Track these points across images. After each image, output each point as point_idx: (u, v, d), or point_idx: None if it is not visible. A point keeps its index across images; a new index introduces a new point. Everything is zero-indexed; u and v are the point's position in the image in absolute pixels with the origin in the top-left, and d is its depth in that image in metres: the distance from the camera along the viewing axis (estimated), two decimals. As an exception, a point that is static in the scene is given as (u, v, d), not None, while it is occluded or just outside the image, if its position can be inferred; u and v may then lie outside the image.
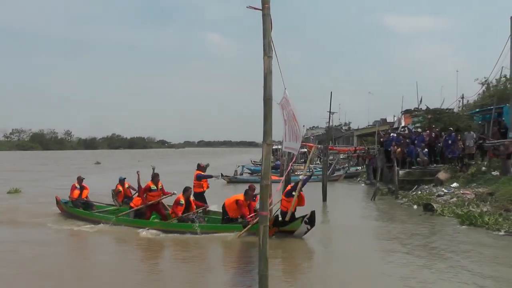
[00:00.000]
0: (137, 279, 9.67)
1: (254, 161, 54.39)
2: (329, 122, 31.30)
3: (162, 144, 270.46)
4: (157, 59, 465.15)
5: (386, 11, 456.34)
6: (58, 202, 17.70)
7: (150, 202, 14.74)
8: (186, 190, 14.34)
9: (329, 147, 35.85)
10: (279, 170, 33.86)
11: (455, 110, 37.96)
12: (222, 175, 34.56)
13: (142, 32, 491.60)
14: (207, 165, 17.77)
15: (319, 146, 49.85)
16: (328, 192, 22.78)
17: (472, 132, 22.95)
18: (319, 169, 34.04)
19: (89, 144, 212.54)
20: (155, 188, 14.91)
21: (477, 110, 32.89)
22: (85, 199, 17.30)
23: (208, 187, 16.64)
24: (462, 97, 43.06)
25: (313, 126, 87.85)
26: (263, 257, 6.53)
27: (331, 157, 41.02)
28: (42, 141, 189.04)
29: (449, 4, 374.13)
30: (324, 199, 22.04)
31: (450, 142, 23.11)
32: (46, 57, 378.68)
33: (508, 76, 25.71)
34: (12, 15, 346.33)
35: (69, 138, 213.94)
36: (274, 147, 41.10)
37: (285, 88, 8.97)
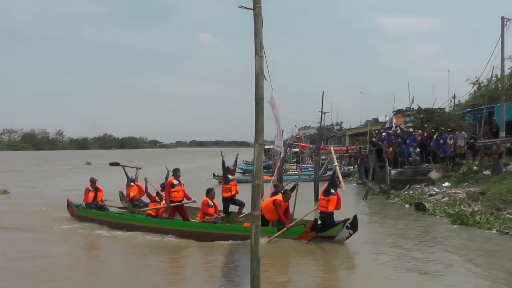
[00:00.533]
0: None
1: (246, 161, 54.35)
2: (320, 122, 31.10)
3: (154, 144, 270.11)
4: (148, 58, 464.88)
5: (377, 11, 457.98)
6: (69, 205, 16.85)
7: (173, 204, 13.83)
8: (209, 191, 13.74)
9: (321, 146, 35.83)
10: (271, 170, 33.82)
11: (447, 109, 38.11)
12: (214, 175, 34.52)
13: (133, 32, 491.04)
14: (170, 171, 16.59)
15: (311, 145, 50.01)
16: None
17: (463, 132, 23.01)
18: (311, 169, 34.04)
19: (81, 144, 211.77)
20: (178, 182, 14.02)
21: (469, 109, 33.03)
22: (100, 202, 16.58)
23: (237, 191, 15.45)
24: (454, 97, 43.23)
25: (305, 126, 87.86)
26: (255, 258, 6.49)
27: (323, 157, 41.03)
28: (33, 141, 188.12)
29: (441, 4, 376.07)
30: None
31: (441, 141, 23.17)
32: (36, 57, 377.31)
33: (499, 76, 25.79)
34: None
35: (61, 138, 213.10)
36: (266, 147, 41.11)
37: (272, 89, 8.98)
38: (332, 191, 12.65)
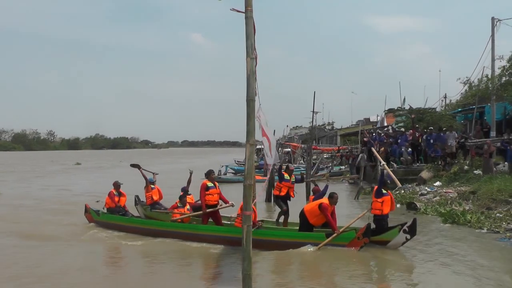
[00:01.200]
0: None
1: (238, 161, 54.35)
2: (312, 121, 31.26)
3: (146, 144, 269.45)
4: (141, 59, 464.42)
5: (369, 12, 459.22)
6: (87, 211, 15.74)
7: (209, 210, 12.78)
8: (209, 174, 13.14)
9: (313, 146, 35.88)
10: (262, 170, 33.84)
11: (438, 109, 38.25)
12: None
13: (125, 32, 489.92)
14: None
15: (302, 145, 50.10)
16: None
17: (454, 132, 23.12)
18: (303, 169, 34.07)
19: (73, 144, 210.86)
20: (213, 185, 12.96)
21: (459, 109, 33.18)
22: (123, 208, 15.44)
23: (292, 195, 14.19)
24: (445, 97, 43.45)
25: (297, 126, 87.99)
26: (247, 257, 6.50)
27: (314, 157, 41.08)
28: (24, 142, 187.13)
29: (432, 5, 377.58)
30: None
31: (431, 141, 23.23)
32: (29, 57, 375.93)
33: (489, 76, 25.91)
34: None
35: (52, 138, 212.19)
36: (257, 147, 41.11)
37: (260, 104, 9.11)
38: (384, 191, 12.09)
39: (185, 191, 14.85)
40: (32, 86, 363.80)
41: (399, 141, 25.32)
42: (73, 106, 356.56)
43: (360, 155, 28.57)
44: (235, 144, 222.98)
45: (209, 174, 13.16)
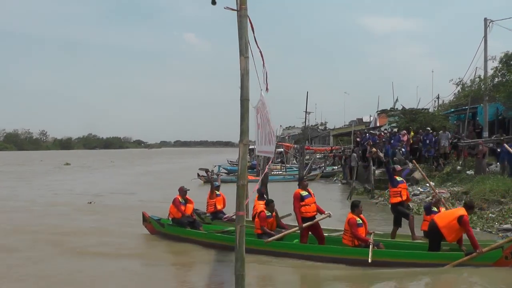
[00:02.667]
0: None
1: (230, 161, 54.29)
2: (305, 122, 31.39)
3: (139, 144, 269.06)
4: (133, 58, 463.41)
5: (362, 12, 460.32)
6: (146, 220, 13.79)
7: (308, 224, 10.86)
8: (269, 203, 11.58)
9: (306, 146, 35.90)
10: (255, 170, 33.81)
11: (431, 110, 38.37)
12: (198, 175, 34.41)
13: (118, 32, 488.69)
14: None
15: (295, 146, 50.09)
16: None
17: (447, 132, 23.17)
18: (296, 169, 34.11)
19: (65, 144, 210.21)
20: (308, 193, 11.16)
21: (452, 110, 33.30)
22: (191, 217, 13.26)
23: (409, 198, 12.86)
24: (438, 97, 43.63)
25: (289, 126, 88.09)
26: (240, 257, 6.46)
27: (307, 157, 41.10)
28: (16, 142, 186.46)
29: (425, 6, 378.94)
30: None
31: (428, 141, 23.26)
32: (21, 57, 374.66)
33: (482, 77, 26.01)
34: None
35: (45, 138, 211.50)
36: (250, 147, 41.04)
37: (261, 90, 8.94)
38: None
39: (261, 193, 13.01)
40: (24, 85, 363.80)
41: (392, 141, 25.34)
42: (66, 106, 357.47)
43: (353, 154, 28.59)
44: (227, 144, 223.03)
45: (301, 181, 11.61)
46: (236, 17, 6.66)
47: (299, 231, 11.00)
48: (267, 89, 8.38)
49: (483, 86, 24.99)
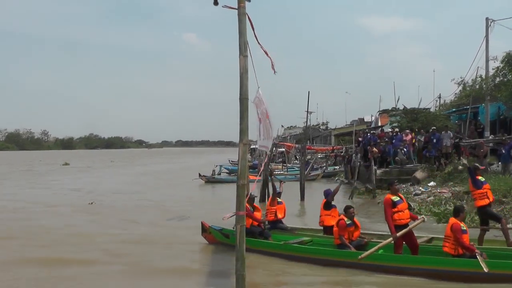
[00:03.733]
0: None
1: (232, 161, 54.27)
2: (306, 121, 31.32)
3: (140, 144, 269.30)
4: (134, 58, 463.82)
5: (363, 12, 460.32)
6: (205, 230, 12.68)
7: (403, 232, 9.70)
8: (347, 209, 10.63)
9: (307, 146, 35.87)
10: (256, 170, 33.80)
11: (432, 109, 38.28)
12: (200, 175, 34.44)
13: (119, 32, 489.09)
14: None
15: (297, 145, 50.03)
16: (306, 191, 22.86)
17: (449, 132, 23.13)
18: (297, 169, 34.07)
19: (66, 144, 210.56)
20: (399, 199, 10.06)
21: (454, 109, 33.21)
22: (258, 226, 12.13)
23: (493, 199, 11.51)
24: (439, 97, 43.52)
25: (291, 126, 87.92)
26: (240, 257, 6.45)
27: (308, 157, 41.07)
28: (18, 141, 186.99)
29: (425, 6, 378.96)
30: (302, 198, 22.08)
31: (435, 141, 23.20)
32: (22, 57, 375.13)
33: (483, 77, 25.96)
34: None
35: (46, 138, 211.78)
36: (251, 146, 41.05)
37: (259, 87, 8.90)
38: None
39: (327, 194, 12.34)
40: (25, 85, 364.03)
41: (393, 141, 25.30)
42: (67, 106, 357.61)
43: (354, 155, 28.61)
44: (229, 144, 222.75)
45: (392, 185, 10.42)
46: (235, 16, 6.65)
47: (392, 242, 9.83)
48: (274, 71, 8.26)
49: (484, 86, 24.95)
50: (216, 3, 6.95)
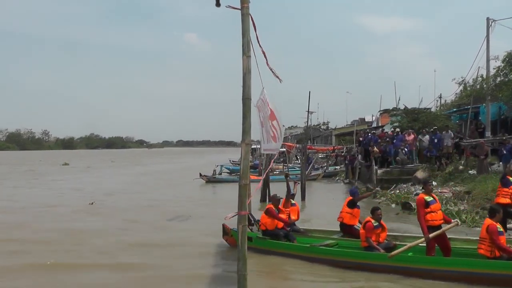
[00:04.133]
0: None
1: (233, 161, 54.29)
2: (307, 121, 31.32)
3: (141, 144, 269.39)
4: (134, 58, 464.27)
5: (362, 12, 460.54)
6: (227, 233, 12.05)
7: (436, 233, 9.41)
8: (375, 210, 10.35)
9: (308, 146, 35.89)
10: (257, 170, 33.84)
11: (433, 109, 38.30)
12: (200, 174, 34.45)
13: (120, 32, 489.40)
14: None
15: (297, 145, 50.08)
16: (307, 191, 22.91)
17: (450, 132, 23.15)
18: (298, 169, 34.10)
19: (67, 144, 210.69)
20: (433, 199, 9.74)
21: (454, 109, 33.23)
22: (282, 229, 11.68)
23: None
24: (440, 97, 43.55)
25: (292, 126, 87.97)
26: (242, 257, 6.45)
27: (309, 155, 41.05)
28: (18, 141, 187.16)
29: (425, 6, 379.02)
30: (303, 198, 22.10)
31: (436, 140, 23.21)
32: (23, 57, 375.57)
33: (484, 76, 25.98)
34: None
35: (47, 138, 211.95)
36: (253, 146, 41.04)
37: (263, 88, 8.87)
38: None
39: (354, 192, 12.20)
40: (25, 85, 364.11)
41: (394, 141, 25.33)
42: (67, 106, 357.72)
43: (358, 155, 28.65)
44: (230, 144, 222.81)
45: (426, 184, 10.05)
46: (236, 16, 6.65)
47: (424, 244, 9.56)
48: (280, 80, 8.25)
49: (485, 86, 24.97)
50: (218, 4, 6.94)
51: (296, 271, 10.22)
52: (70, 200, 23.33)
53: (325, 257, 10.30)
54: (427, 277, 8.95)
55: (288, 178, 13.65)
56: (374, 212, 10.27)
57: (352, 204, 11.77)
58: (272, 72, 7.86)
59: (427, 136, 23.92)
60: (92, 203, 21.10)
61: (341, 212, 11.93)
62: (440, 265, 9.06)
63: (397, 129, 27.54)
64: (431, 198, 9.65)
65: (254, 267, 9.77)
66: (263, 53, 7.34)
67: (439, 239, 9.53)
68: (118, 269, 10.61)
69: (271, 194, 13.80)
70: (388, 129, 34.08)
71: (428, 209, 9.47)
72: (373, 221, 10.11)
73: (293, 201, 12.67)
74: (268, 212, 11.50)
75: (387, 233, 10.57)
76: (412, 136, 25.14)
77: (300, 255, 10.67)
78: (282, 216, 11.73)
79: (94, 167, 58.46)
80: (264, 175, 19.00)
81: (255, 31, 6.90)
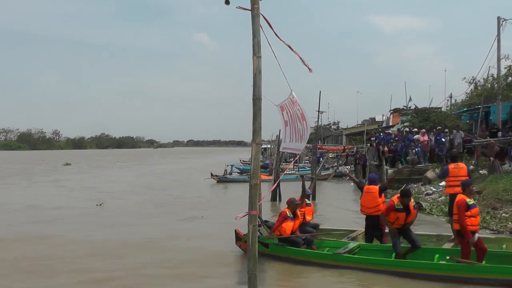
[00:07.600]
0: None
1: (243, 161, 54.35)
2: (317, 121, 31.21)
3: (151, 143, 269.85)
4: (145, 58, 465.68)
5: (371, 11, 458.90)
6: (240, 239, 11.37)
7: (476, 237, 9.01)
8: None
9: (318, 146, 35.86)
10: (268, 169, 33.87)
11: (443, 109, 38.18)
12: (212, 174, 34.55)
13: (130, 32, 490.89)
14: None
15: (308, 145, 50.05)
16: (317, 190, 22.91)
17: (460, 131, 23.08)
18: (308, 169, 34.10)
19: (78, 144, 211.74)
20: (473, 203, 9.14)
21: (465, 109, 33.12)
22: (304, 235, 11.12)
23: None
24: (450, 96, 43.40)
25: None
26: (253, 257, 6.51)
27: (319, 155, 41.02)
28: (30, 141, 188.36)
29: (435, 4, 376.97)
30: (313, 197, 22.09)
31: (443, 140, 23.15)
32: (34, 57, 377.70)
33: (495, 76, 25.88)
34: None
35: (57, 138, 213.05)
36: (263, 146, 41.04)
37: (292, 90, 8.88)
38: None
39: (374, 178, 11.98)
40: (38, 85, 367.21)
41: (405, 141, 25.29)
42: (79, 106, 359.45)
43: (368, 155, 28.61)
44: (240, 143, 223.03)
45: (468, 186, 9.36)
46: (247, 17, 6.70)
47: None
48: (310, 69, 8.22)
49: (496, 85, 24.87)
50: (227, 2, 6.99)
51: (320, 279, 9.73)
52: (78, 201, 23.25)
53: (350, 264, 9.75)
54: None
55: (304, 178, 13.28)
56: (403, 198, 9.84)
57: (382, 191, 11.39)
58: (302, 61, 7.91)
59: (461, 132, 23.63)
60: (100, 204, 21.00)
61: (377, 205, 11.31)
62: (484, 273, 8.53)
63: (406, 129, 27.48)
64: (472, 202, 9.07)
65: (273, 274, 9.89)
66: (288, 46, 7.40)
67: (477, 244, 9.05)
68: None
69: (281, 193, 13.67)
70: (396, 129, 34.03)
71: (469, 213, 8.91)
72: (396, 203, 9.81)
73: (308, 201, 12.30)
74: (280, 217, 10.81)
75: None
76: (426, 136, 25.01)
77: (323, 263, 10.10)
78: (290, 223, 10.82)
79: (99, 168, 57.97)
80: (274, 175, 19.01)
81: (272, 29, 6.97)
